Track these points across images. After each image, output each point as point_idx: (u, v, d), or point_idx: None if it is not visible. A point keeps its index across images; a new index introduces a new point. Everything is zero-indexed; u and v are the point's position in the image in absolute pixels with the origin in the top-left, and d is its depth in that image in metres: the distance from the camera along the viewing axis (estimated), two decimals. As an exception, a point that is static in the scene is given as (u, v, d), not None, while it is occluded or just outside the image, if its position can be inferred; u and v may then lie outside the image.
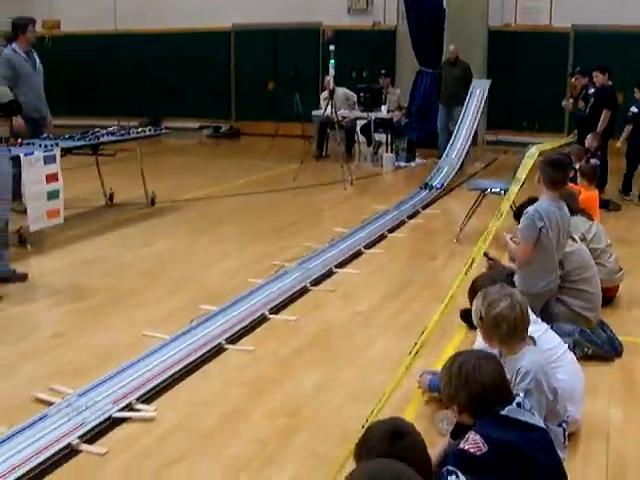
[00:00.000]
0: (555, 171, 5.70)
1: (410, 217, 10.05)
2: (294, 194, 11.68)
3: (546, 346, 4.33)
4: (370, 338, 5.89)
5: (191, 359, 5.36)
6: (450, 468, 2.74)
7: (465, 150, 13.62)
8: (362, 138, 15.67)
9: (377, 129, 15.32)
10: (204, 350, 5.51)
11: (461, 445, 3.15)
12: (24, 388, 4.95)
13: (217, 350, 5.58)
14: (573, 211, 6.39)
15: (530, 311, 4.48)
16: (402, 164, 14.62)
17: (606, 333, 5.59)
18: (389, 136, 15.16)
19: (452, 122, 14.33)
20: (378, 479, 2.08)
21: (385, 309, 6.52)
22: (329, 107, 13.42)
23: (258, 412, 4.67)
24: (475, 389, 3.23)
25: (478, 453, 3.10)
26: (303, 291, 6.92)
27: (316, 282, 7.17)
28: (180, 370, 5.20)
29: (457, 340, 5.71)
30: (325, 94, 14.51)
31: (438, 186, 11.69)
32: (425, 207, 10.71)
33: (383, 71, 15.79)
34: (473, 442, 3.12)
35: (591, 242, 6.41)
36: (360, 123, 15.52)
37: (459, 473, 2.71)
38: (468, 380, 3.24)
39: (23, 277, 7.12)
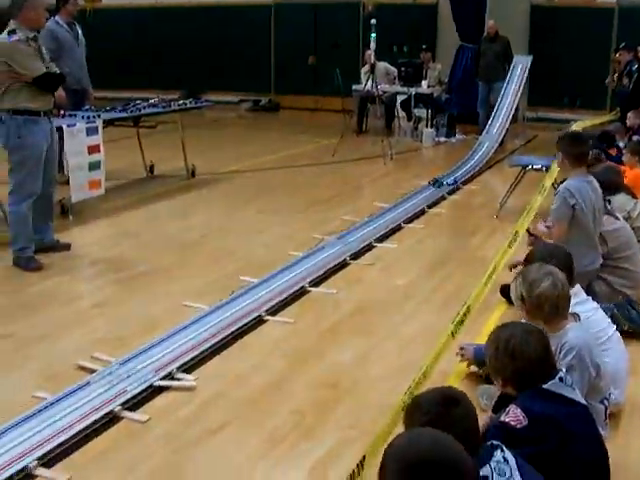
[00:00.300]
0: (575, 146, 5.67)
1: (450, 193, 10.00)
2: (334, 168, 11.66)
3: (596, 327, 4.28)
4: (409, 312, 5.89)
5: (231, 330, 5.39)
6: (495, 442, 2.72)
7: (506, 126, 13.51)
8: (402, 113, 15.58)
9: (417, 104, 15.23)
10: (244, 321, 5.54)
11: (502, 418, 3.15)
12: (67, 356, 5.02)
13: (257, 321, 5.61)
14: (618, 188, 6.33)
15: (580, 289, 4.45)
16: (442, 139, 14.56)
17: (635, 310, 5.52)
18: (429, 111, 15.08)
19: (492, 98, 14.21)
20: (420, 447, 2.07)
21: (424, 284, 6.52)
22: (370, 81, 13.37)
23: (298, 383, 4.69)
24: (521, 364, 3.22)
25: (518, 426, 3.09)
26: (343, 264, 6.93)
27: (356, 256, 7.17)
28: (220, 340, 5.23)
29: (497, 316, 5.69)
30: (366, 68, 14.45)
31: (450, 183, 10.33)
32: (465, 183, 10.65)
33: (424, 46, 15.71)
34: (514, 415, 3.12)
35: (636, 220, 6.34)
36: (400, 98, 15.43)
37: (504, 447, 2.70)
38: (515, 355, 3.23)
39: (66, 247, 7.23)
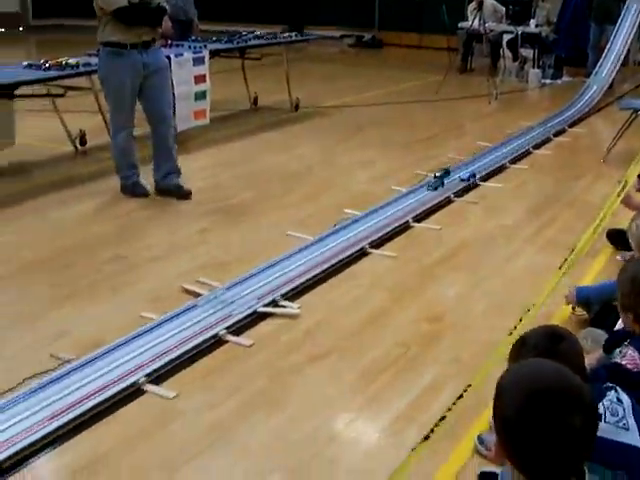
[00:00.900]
0: None
1: (556, 135, 9.78)
2: (437, 106, 11.53)
3: None
4: (513, 252, 5.81)
5: (335, 261, 5.41)
6: (610, 384, 2.68)
7: (616, 69, 13.11)
8: (508, 53, 15.26)
9: (524, 44, 14.89)
10: (348, 253, 5.56)
11: (617, 359, 3.09)
12: (173, 279, 5.12)
13: (360, 254, 5.63)
14: None
15: None
16: (548, 81, 14.24)
17: None
18: (536, 52, 14.74)
19: (604, 40, 13.78)
20: (545, 374, 2.04)
21: (529, 224, 6.41)
22: (476, 19, 13.12)
23: (400, 316, 4.69)
24: None
25: (635, 370, 3.03)
26: (447, 202, 6.89)
27: (460, 193, 7.11)
28: (324, 270, 5.26)
29: (602, 260, 5.58)
30: (473, 5, 14.17)
31: (464, 178, 7.42)
32: (572, 125, 10.40)
33: (535, -17, 15.31)
34: (631, 358, 3.06)
35: None
36: (507, 37, 15.10)
37: (618, 389, 2.65)
38: None
39: (187, 195, 6.92)
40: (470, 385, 3.77)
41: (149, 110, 6.83)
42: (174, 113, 8.03)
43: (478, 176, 7.54)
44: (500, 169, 8.02)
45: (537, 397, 1.92)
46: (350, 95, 12.08)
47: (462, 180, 7.38)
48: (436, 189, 7.06)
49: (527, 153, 8.77)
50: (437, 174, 7.30)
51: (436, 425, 3.51)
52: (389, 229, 6.07)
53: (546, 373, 2.01)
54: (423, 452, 3.33)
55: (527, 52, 14.89)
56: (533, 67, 14.52)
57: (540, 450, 1.89)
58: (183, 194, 6.90)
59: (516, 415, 1.92)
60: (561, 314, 4.69)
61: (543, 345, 2.67)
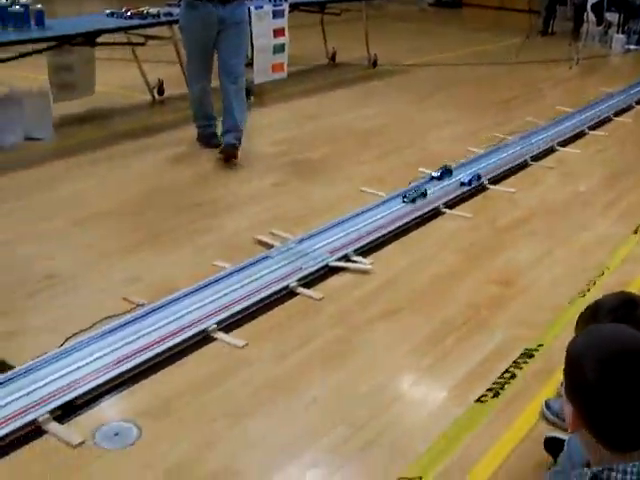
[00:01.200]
0: None
1: (638, 102, 9.55)
2: (517, 69, 11.34)
3: None
4: (588, 219, 5.72)
5: (408, 219, 5.41)
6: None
7: None
8: (592, 17, 14.92)
9: (609, 8, 14.54)
10: (422, 212, 5.55)
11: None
12: (246, 230, 5.16)
13: (435, 213, 5.61)
14: None
15: None
16: (632, 47, 13.89)
17: None
18: (622, 16, 14.39)
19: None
20: (623, 337, 2.01)
21: (605, 192, 6.30)
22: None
23: (472, 278, 4.66)
24: None
25: None
26: (523, 165, 6.79)
27: (536, 158, 7.00)
28: (397, 228, 5.26)
29: (681, 231, 5.49)
30: (558, -33, 13.90)
31: (465, 182, 6.11)
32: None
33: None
34: None
35: None
36: (591, 0, 14.78)
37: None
38: None
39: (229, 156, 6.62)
40: (542, 345, 3.76)
41: (218, 62, 6.71)
42: (251, 65, 8.07)
43: (557, 141, 7.43)
44: (579, 135, 7.88)
45: (616, 360, 1.89)
46: (429, 54, 11.97)
47: (462, 184, 6.13)
48: (414, 201, 5.70)
49: (607, 120, 8.59)
50: (433, 174, 6.25)
51: (506, 382, 3.51)
52: (463, 190, 6.03)
53: (624, 337, 1.98)
54: (491, 410, 3.33)
55: (612, 16, 14.54)
56: (617, 32, 14.19)
57: (619, 415, 1.86)
58: (226, 153, 6.59)
59: (594, 377, 1.89)
60: (638, 283, 4.63)
61: (618, 311, 2.64)
